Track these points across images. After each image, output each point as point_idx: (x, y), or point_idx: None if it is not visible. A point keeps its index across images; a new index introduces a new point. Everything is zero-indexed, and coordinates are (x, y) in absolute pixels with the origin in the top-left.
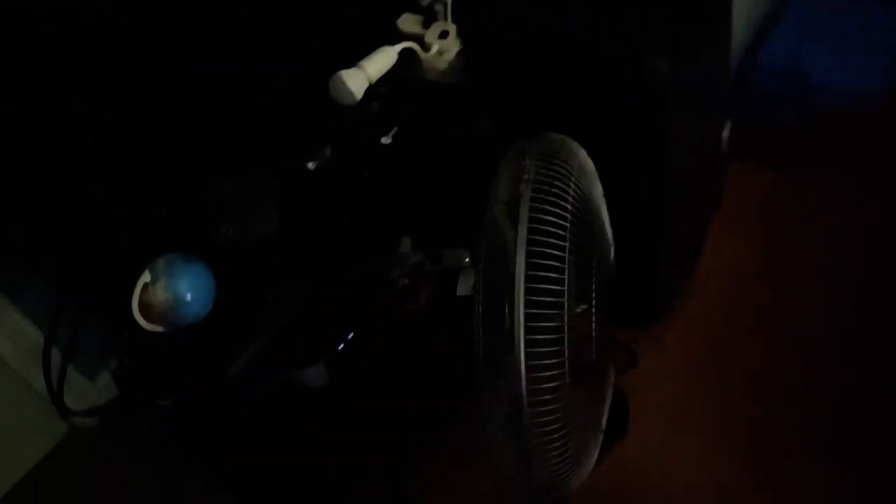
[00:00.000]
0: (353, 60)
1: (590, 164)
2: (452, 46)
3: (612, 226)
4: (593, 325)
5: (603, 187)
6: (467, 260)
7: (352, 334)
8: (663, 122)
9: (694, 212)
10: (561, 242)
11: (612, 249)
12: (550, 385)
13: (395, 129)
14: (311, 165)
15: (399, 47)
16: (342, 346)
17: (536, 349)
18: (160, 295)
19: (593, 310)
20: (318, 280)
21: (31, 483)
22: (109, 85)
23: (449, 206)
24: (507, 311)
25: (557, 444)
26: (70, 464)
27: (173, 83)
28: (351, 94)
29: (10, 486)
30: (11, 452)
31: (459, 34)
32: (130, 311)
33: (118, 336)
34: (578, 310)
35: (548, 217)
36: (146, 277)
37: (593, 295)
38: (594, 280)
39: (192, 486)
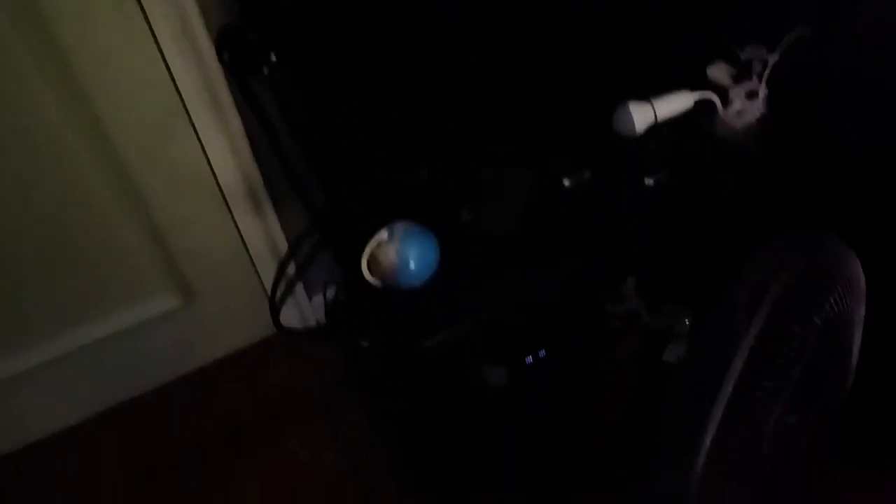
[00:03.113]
0: (650, 93)
1: (862, 284)
2: (755, 110)
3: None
4: (799, 445)
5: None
6: (687, 322)
7: (543, 352)
8: None
9: None
10: (791, 352)
11: (852, 379)
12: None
13: (663, 172)
14: (567, 182)
15: (697, 95)
16: (531, 358)
17: (723, 448)
18: (390, 256)
19: (803, 430)
20: (535, 289)
21: (230, 363)
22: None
23: (689, 263)
24: (706, 398)
25: None
26: (266, 361)
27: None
28: (633, 126)
29: (213, 359)
30: (225, 331)
31: (769, 100)
32: (360, 258)
33: (344, 275)
34: (789, 420)
35: (789, 323)
36: (383, 236)
37: (810, 416)
38: (818, 401)
39: (351, 433)
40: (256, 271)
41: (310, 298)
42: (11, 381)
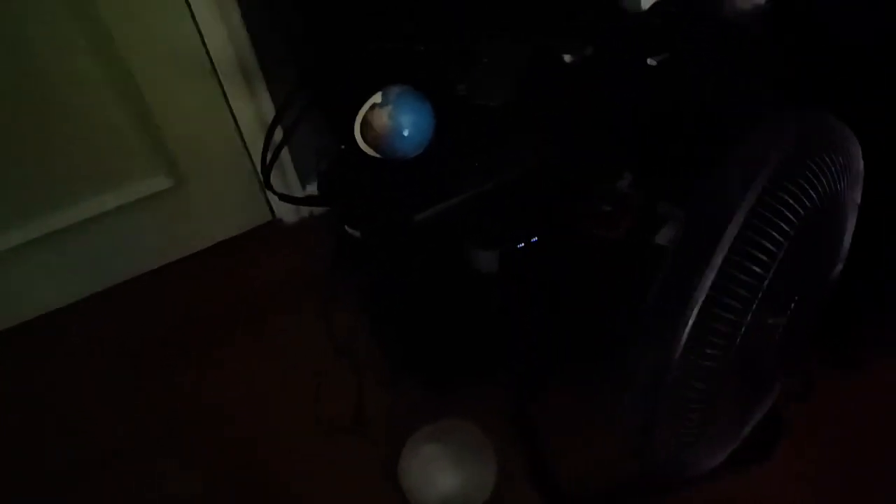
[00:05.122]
0: None
1: (858, 165)
2: None
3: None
4: (778, 337)
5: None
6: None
7: (536, 238)
8: None
9: None
10: (785, 227)
11: (841, 266)
12: (706, 365)
13: (666, 54)
14: (567, 58)
15: None
16: (522, 244)
17: (707, 328)
18: (383, 120)
19: (784, 322)
20: (528, 169)
21: (220, 251)
22: None
23: (689, 154)
24: (693, 279)
25: (689, 424)
26: (259, 248)
27: None
28: (637, 1)
29: (204, 247)
30: (215, 217)
31: None
32: (353, 124)
33: (336, 144)
34: (770, 321)
35: (784, 196)
36: (377, 99)
37: (793, 305)
38: (802, 289)
39: (342, 317)
40: (249, 156)
41: (304, 188)
42: (2, 259)
